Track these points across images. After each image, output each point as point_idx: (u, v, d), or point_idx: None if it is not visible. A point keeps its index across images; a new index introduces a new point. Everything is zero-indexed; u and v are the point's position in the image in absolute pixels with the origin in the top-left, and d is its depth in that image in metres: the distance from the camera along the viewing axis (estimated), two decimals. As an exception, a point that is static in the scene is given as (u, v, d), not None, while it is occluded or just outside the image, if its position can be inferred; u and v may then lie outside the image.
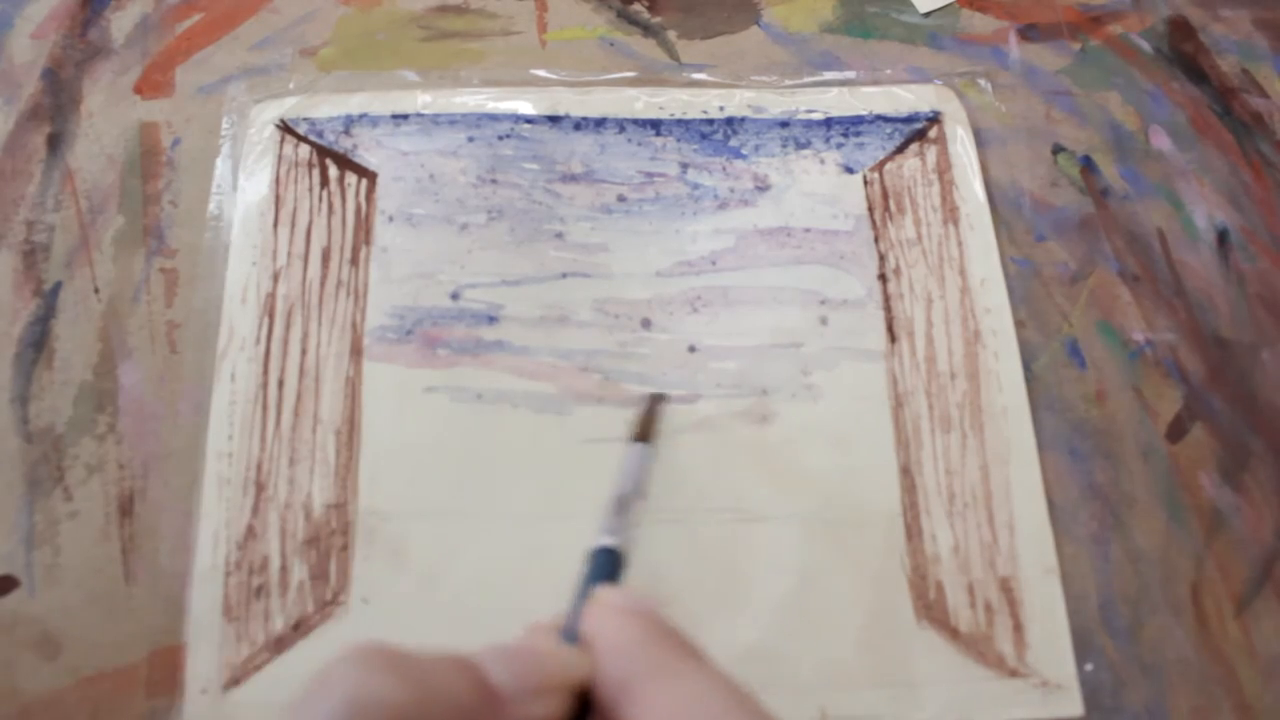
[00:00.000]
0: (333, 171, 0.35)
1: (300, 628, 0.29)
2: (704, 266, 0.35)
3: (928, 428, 0.32)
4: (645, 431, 0.30)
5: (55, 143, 0.36)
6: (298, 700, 0.17)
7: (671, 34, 0.40)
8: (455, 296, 0.34)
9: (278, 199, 0.35)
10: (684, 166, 0.36)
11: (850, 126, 0.37)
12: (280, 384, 0.32)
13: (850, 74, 0.39)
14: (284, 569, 0.30)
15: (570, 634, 0.20)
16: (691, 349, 0.33)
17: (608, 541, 0.25)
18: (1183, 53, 0.40)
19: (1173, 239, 0.36)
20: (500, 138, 0.36)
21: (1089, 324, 0.35)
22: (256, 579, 0.30)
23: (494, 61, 0.39)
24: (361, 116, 0.36)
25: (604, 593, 0.21)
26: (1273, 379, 0.34)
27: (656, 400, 0.32)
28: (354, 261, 0.34)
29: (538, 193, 0.36)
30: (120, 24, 0.39)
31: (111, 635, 0.29)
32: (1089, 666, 0.30)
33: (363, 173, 0.35)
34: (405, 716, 0.16)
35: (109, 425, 0.32)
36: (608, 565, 0.24)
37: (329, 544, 0.30)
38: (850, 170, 0.36)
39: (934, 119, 0.37)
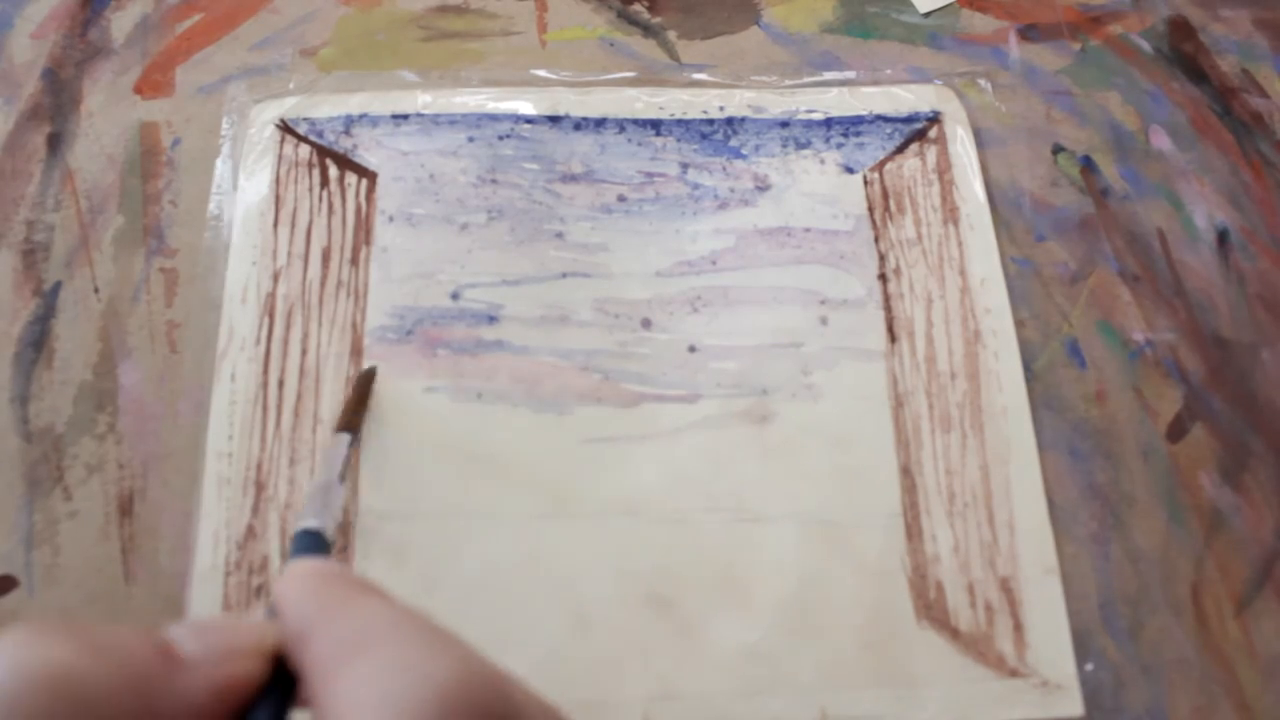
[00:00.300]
0: (333, 171, 0.35)
1: (300, 628, 0.29)
2: (704, 266, 0.35)
3: (928, 427, 0.32)
4: (348, 421, 0.30)
5: (55, 143, 0.36)
6: None
7: (671, 34, 0.40)
8: (455, 296, 0.34)
9: (278, 199, 0.35)
10: (684, 166, 0.36)
11: (850, 126, 0.37)
12: (280, 384, 0.32)
13: (850, 74, 0.39)
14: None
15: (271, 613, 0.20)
16: (691, 349, 0.33)
17: (310, 524, 0.25)
18: (1183, 53, 0.40)
19: (1173, 239, 0.36)
20: (500, 138, 0.36)
21: (1089, 324, 0.35)
22: (256, 579, 0.30)
23: (494, 61, 0.39)
24: (361, 116, 0.36)
25: (295, 564, 0.20)
26: (1273, 379, 0.34)
27: (362, 382, 0.31)
28: (354, 261, 0.34)
29: (538, 193, 0.36)
30: (120, 24, 0.39)
31: (111, 635, 0.29)
32: (1089, 666, 0.30)
33: (363, 173, 0.36)
34: (72, 677, 0.15)
35: (109, 425, 0.32)
36: (309, 546, 0.24)
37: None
38: (850, 170, 0.36)
39: (934, 119, 0.37)
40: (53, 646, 0.15)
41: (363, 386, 0.31)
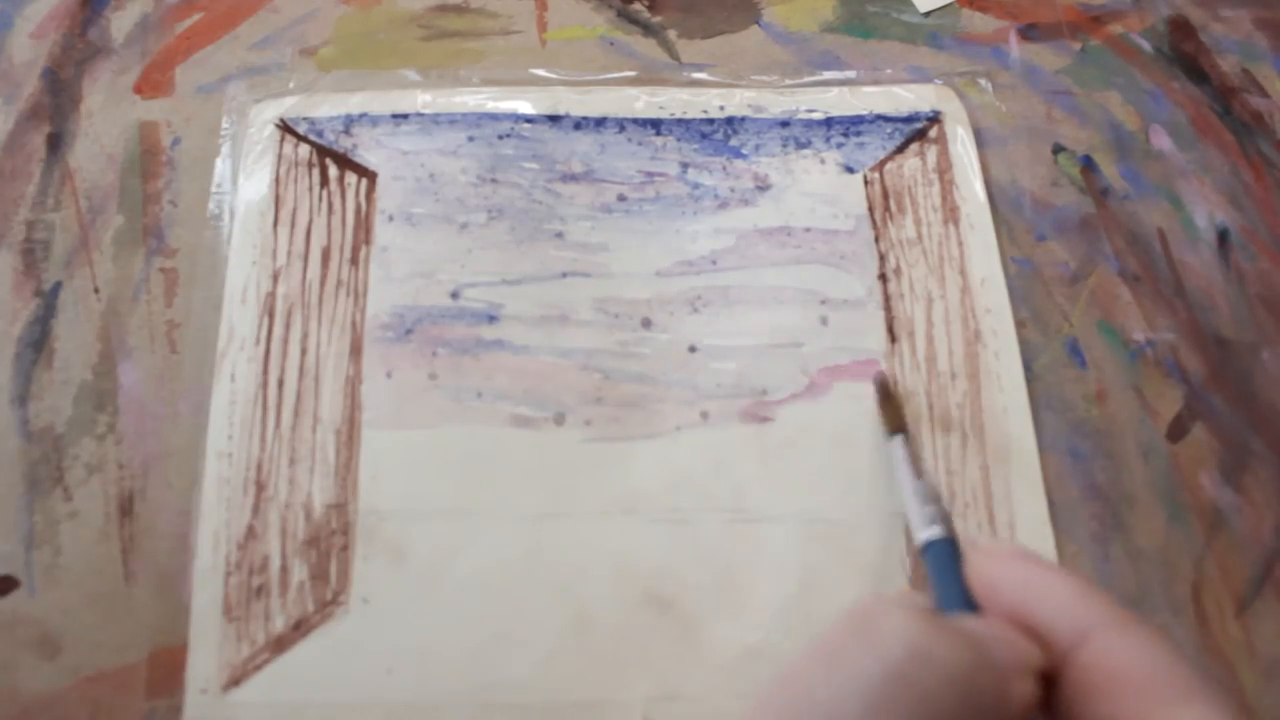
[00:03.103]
0: (333, 171, 0.35)
1: (300, 628, 0.29)
2: (704, 266, 0.35)
3: (928, 427, 0.32)
4: (898, 423, 0.31)
5: (55, 142, 0.36)
6: (831, 642, 0.16)
7: (672, 33, 0.40)
8: (455, 296, 0.34)
9: (278, 198, 0.35)
10: (684, 166, 0.36)
11: (850, 126, 0.37)
12: (280, 384, 0.32)
13: (850, 74, 0.39)
14: (284, 569, 0.30)
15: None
16: (692, 349, 0.33)
17: (937, 532, 0.25)
18: (1183, 52, 0.40)
19: (1173, 239, 0.36)
20: (500, 137, 0.36)
21: (1089, 324, 0.35)
22: (257, 579, 0.30)
23: (494, 61, 0.38)
24: (361, 116, 0.36)
25: (989, 546, 0.20)
26: (1273, 379, 0.34)
27: (885, 384, 0.32)
28: (354, 261, 0.34)
29: (538, 192, 0.36)
30: (120, 24, 0.39)
31: (111, 635, 0.29)
32: (1089, 666, 0.30)
33: (363, 172, 0.35)
34: (955, 678, 0.16)
35: (109, 425, 0.32)
36: (949, 552, 0.24)
37: (329, 544, 0.30)
38: (850, 170, 0.36)
39: (934, 119, 0.37)
40: (943, 643, 0.16)
41: (884, 388, 0.32)
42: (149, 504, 0.31)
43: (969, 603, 0.20)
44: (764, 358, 0.33)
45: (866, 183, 0.36)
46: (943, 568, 0.23)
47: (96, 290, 0.34)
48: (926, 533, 0.25)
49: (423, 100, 0.37)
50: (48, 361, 0.32)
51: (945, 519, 0.25)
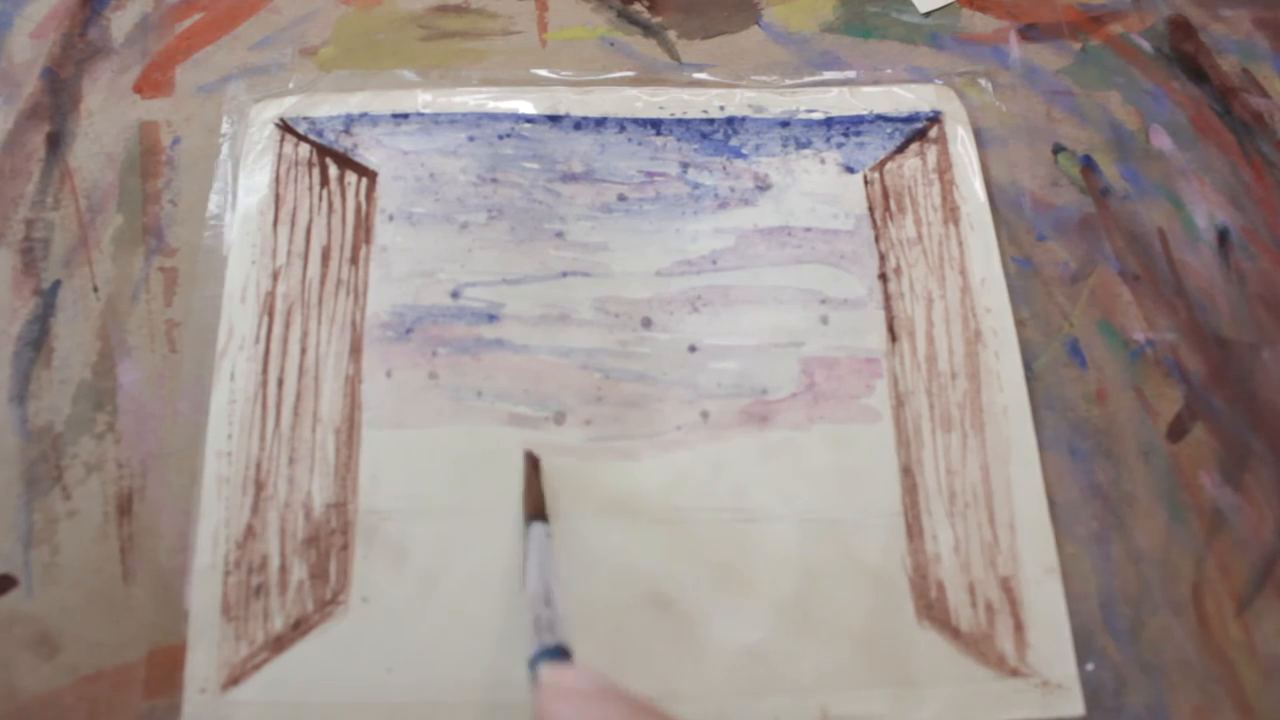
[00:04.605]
0: (333, 171, 0.35)
1: (300, 627, 0.29)
2: (704, 266, 0.35)
3: (928, 427, 0.32)
4: (536, 508, 0.29)
5: (55, 142, 0.36)
6: None
7: (672, 34, 0.40)
8: (455, 295, 0.34)
9: (277, 198, 0.35)
10: (684, 166, 0.36)
11: (850, 126, 0.37)
12: (280, 383, 0.32)
13: (850, 74, 0.39)
14: (284, 568, 0.30)
15: None
16: (692, 348, 0.33)
17: (548, 642, 0.23)
18: (1183, 52, 0.40)
19: (1173, 238, 0.36)
20: (500, 137, 0.36)
21: (1089, 323, 0.35)
22: (256, 578, 0.30)
23: (494, 61, 0.38)
24: (361, 116, 0.36)
25: (553, 673, 0.20)
26: (1273, 379, 0.34)
27: (531, 465, 0.31)
28: (354, 260, 0.34)
29: (538, 192, 0.36)
30: (120, 23, 0.39)
31: (110, 634, 0.29)
32: (1090, 666, 0.30)
33: (363, 172, 0.35)
34: None
35: (108, 424, 0.32)
36: (554, 656, 0.23)
37: (329, 543, 0.30)
38: (851, 170, 0.36)
39: (934, 119, 0.37)
40: None
41: (532, 469, 0.30)
42: (148, 503, 0.31)
43: None
44: (764, 357, 0.33)
45: (866, 182, 0.36)
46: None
47: (96, 289, 0.34)
48: (538, 641, 0.24)
49: (423, 100, 0.37)
50: (47, 360, 0.32)
51: (556, 626, 0.24)
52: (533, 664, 0.23)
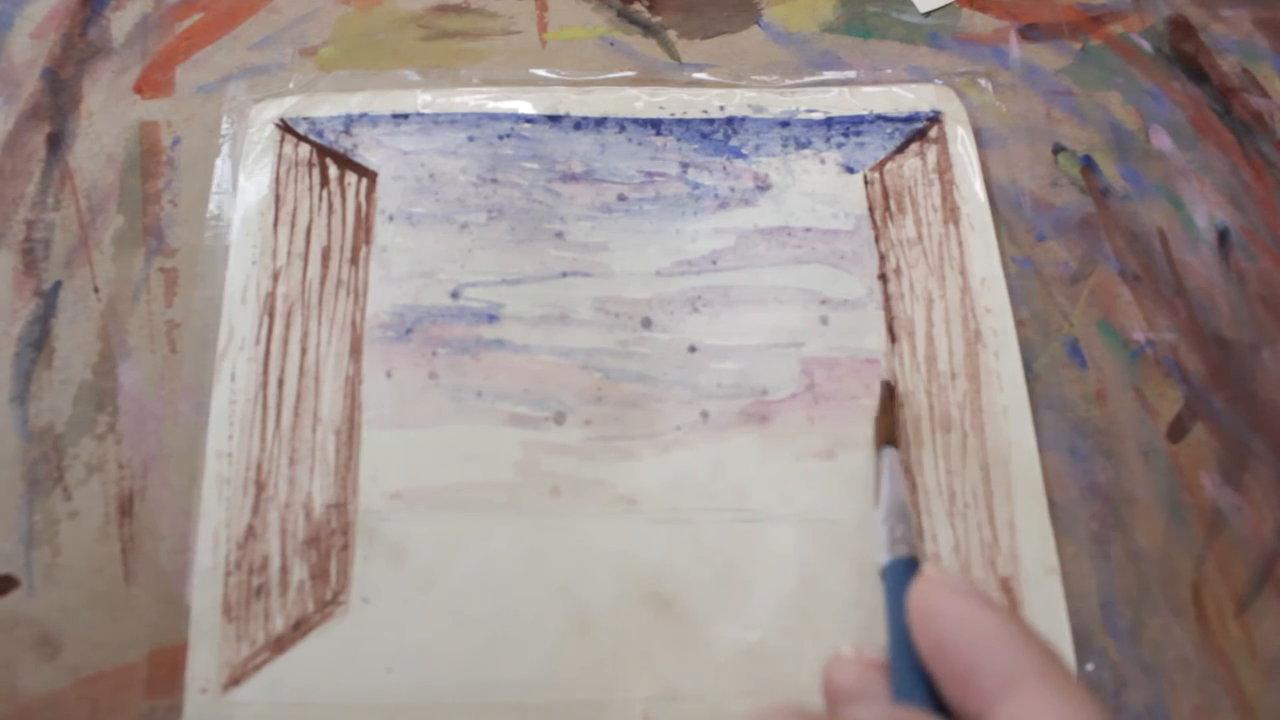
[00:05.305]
0: (333, 171, 0.35)
1: (300, 627, 0.29)
2: (704, 266, 0.35)
3: (928, 427, 0.32)
4: (890, 435, 0.31)
5: (55, 142, 0.36)
6: None
7: (672, 33, 0.40)
8: (455, 295, 0.34)
9: (278, 198, 0.35)
10: (684, 166, 0.36)
11: (850, 126, 0.37)
12: (280, 383, 0.32)
13: (851, 74, 0.39)
14: (284, 569, 0.30)
15: (903, 663, 0.20)
16: (692, 349, 0.33)
17: (902, 553, 0.25)
18: (1183, 52, 0.40)
19: (1173, 238, 0.36)
20: (500, 137, 0.36)
21: (1089, 323, 0.35)
22: (256, 579, 0.30)
23: (494, 61, 0.38)
24: (361, 116, 0.36)
25: (934, 570, 0.20)
26: (1273, 379, 0.34)
27: (892, 392, 0.32)
28: (354, 261, 0.34)
29: (538, 192, 0.36)
30: (120, 23, 0.39)
31: (111, 635, 0.29)
32: (1090, 666, 0.30)
33: (363, 172, 0.35)
34: None
35: (109, 425, 0.32)
36: (910, 570, 0.23)
37: (329, 544, 0.30)
38: (851, 170, 0.36)
39: (934, 119, 0.37)
40: None
41: (889, 397, 0.32)
42: (149, 504, 0.31)
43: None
44: (764, 357, 0.33)
45: (866, 183, 0.36)
46: (898, 593, 0.22)
47: (96, 290, 0.34)
48: (891, 553, 0.25)
49: (423, 100, 0.37)
50: (47, 361, 0.32)
51: (911, 540, 0.26)
52: (886, 573, 0.24)
